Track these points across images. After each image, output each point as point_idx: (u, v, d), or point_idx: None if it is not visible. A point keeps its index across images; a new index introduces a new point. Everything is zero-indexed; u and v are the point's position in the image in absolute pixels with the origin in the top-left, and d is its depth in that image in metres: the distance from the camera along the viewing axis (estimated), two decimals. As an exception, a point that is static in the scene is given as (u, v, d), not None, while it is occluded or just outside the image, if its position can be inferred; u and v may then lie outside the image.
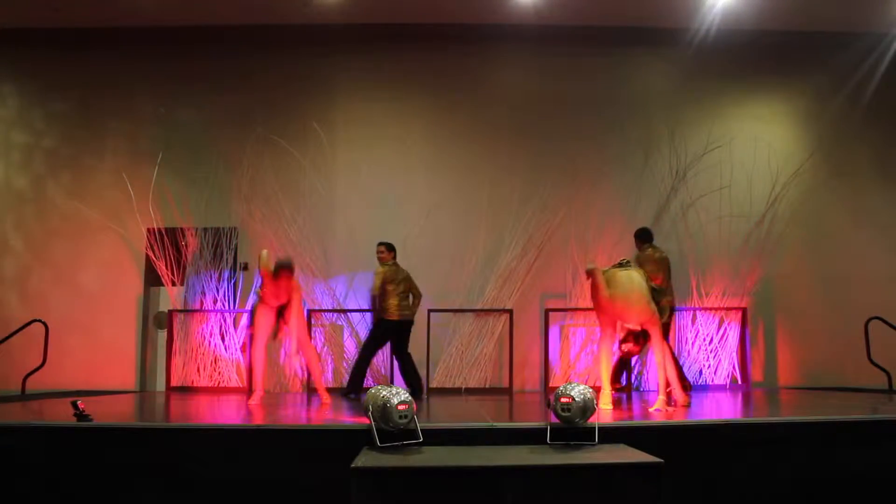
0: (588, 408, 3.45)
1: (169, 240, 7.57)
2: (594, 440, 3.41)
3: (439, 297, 7.47)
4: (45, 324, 6.83)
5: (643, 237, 6.52)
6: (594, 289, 4.84)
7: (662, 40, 7.93)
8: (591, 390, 3.53)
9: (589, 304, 7.31)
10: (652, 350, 5.06)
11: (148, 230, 7.60)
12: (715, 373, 7.28)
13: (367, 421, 3.42)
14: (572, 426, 3.46)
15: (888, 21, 7.68)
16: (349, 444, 3.34)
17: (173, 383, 7.28)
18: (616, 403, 5.08)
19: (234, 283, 7.52)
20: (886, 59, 7.92)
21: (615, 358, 5.74)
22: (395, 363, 6.71)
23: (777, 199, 7.62)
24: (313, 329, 7.33)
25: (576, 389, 3.47)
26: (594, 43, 7.99)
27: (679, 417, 4.24)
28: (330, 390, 6.52)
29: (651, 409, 4.69)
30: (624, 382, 6.73)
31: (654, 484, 2.92)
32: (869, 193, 7.98)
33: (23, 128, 8.04)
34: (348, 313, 7.48)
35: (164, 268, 7.53)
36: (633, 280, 4.76)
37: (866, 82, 7.95)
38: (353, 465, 2.93)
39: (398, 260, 6.55)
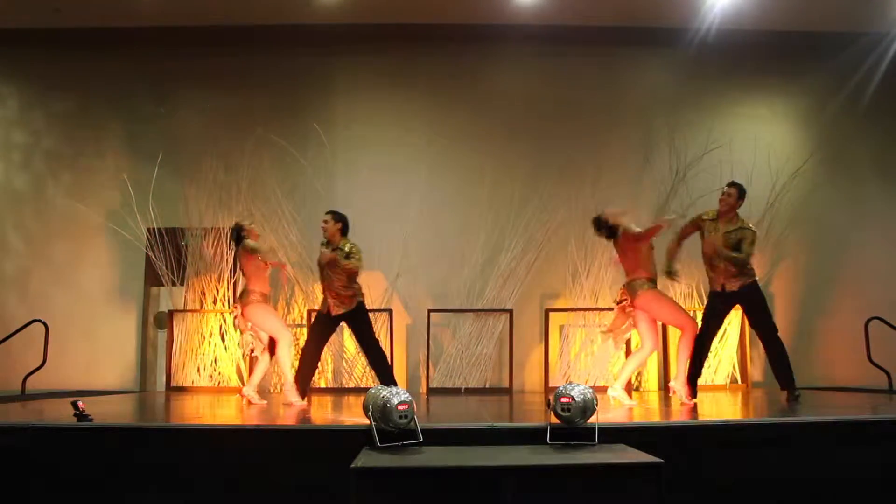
0: (588, 408, 3.44)
1: (169, 240, 7.57)
2: (594, 440, 3.40)
3: (439, 297, 7.48)
4: (45, 324, 6.82)
5: None
6: None
7: (662, 40, 7.92)
8: (591, 390, 3.52)
9: (588, 304, 7.40)
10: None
11: (148, 230, 7.60)
12: (715, 373, 7.28)
13: (367, 421, 3.42)
14: (572, 426, 3.45)
15: (888, 21, 7.67)
16: (349, 444, 3.34)
17: (173, 383, 7.28)
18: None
19: (235, 283, 7.52)
20: (886, 59, 7.90)
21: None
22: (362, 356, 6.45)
23: (777, 199, 7.62)
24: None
25: (576, 389, 3.46)
26: (594, 43, 7.99)
27: (679, 417, 4.25)
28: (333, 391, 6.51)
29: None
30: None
31: (654, 484, 2.92)
32: (869, 193, 7.97)
33: (23, 128, 8.03)
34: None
35: (164, 268, 7.53)
36: None
37: (866, 82, 7.94)
38: (352, 466, 2.93)
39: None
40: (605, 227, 5.32)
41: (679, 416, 4.47)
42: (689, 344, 5.24)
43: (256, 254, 5.61)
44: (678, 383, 5.29)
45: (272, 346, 5.66)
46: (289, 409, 5.06)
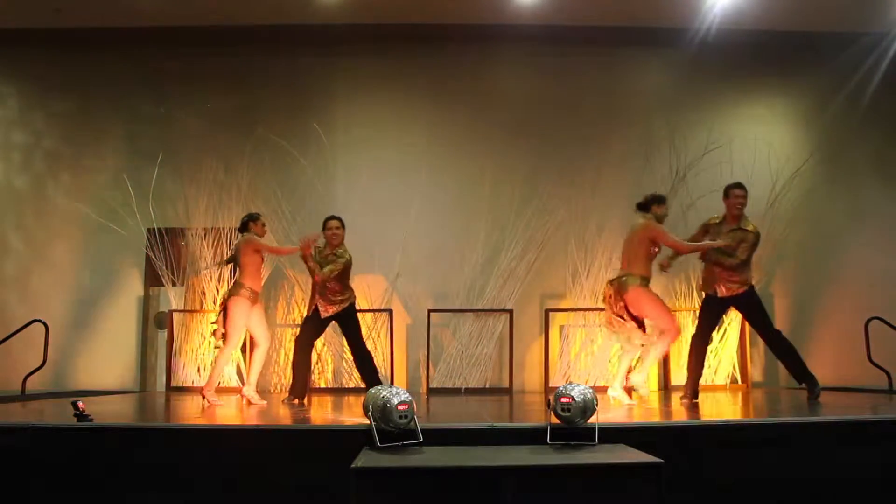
0: (588, 408, 3.44)
1: (169, 240, 7.57)
2: (594, 440, 3.40)
3: (439, 297, 7.48)
4: (45, 324, 6.83)
5: None
6: None
7: (662, 40, 7.91)
8: (591, 390, 3.52)
9: (588, 304, 7.39)
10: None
11: (148, 230, 7.60)
12: (715, 373, 7.28)
13: (367, 421, 3.42)
14: (572, 426, 3.45)
15: (888, 21, 7.66)
16: (349, 444, 3.34)
17: (173, 383, 7.28)
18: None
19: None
20: (886, 59, 7.89)
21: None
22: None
23: (777, 199, 7.61)
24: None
25: (576, 389, 3.46)
26: (594, 43, 7.98)
27: (679, 417, 4.24)
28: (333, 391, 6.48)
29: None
30: None
31: (654, 484, 2.92)
32: (869, 194, 7.97)
33: (23, 128, 8.03)
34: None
35: (164, 268, 7.53)
36: None
37: (866, 82, 7.94)
38: (353, 466, 2.93)
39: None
40: (645, 205, 5.23)
41: (679, 416, 4.47)
42: (665, 347, 5.23)
43: (256, 245, 5.59)
44: (617, 389, 5.26)
45: (252, 343, 5.70)
46: (287, 410, 5.06)
